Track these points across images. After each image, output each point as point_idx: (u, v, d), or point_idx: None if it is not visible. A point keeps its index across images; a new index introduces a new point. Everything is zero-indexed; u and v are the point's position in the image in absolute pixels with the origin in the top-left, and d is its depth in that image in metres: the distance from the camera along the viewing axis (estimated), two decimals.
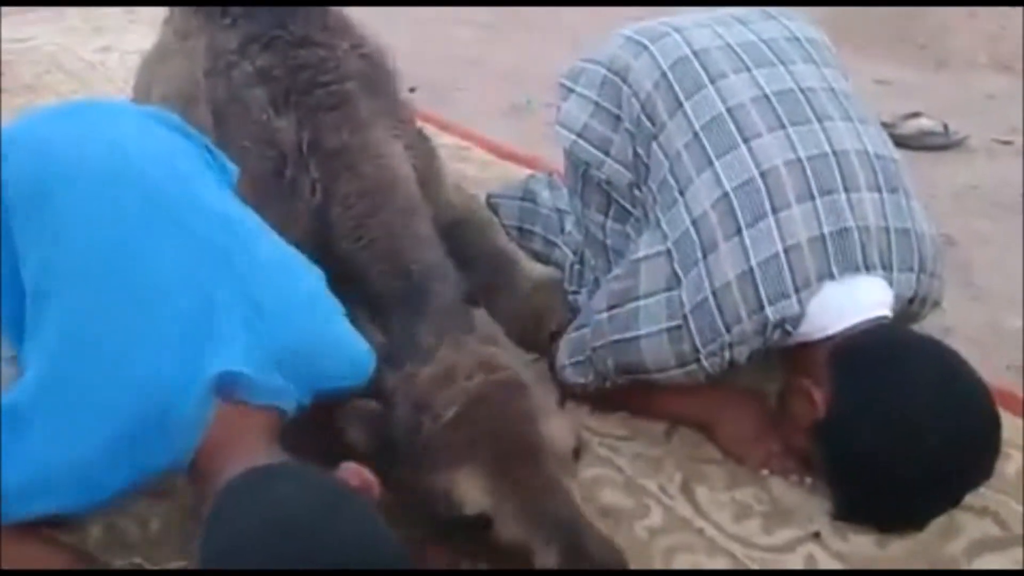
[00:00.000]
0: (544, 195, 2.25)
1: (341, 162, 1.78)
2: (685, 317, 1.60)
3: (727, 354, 1.60)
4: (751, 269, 1.56)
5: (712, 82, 1.71)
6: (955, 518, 1.58)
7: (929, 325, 2.12)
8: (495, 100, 3.56)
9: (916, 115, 3.25)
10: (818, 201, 1.59)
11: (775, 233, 1.57)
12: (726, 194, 1.61)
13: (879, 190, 1.65)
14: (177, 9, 2.20)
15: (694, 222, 1.63)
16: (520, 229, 2.26)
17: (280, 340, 1.36)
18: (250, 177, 1.80)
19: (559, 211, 2.19)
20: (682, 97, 1.71)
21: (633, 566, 1.46)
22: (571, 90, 1.89)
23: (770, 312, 1.56)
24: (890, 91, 3.79)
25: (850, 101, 1.76)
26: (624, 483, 1.67)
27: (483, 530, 1.37)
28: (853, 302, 1.58)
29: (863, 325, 1.57)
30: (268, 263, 1.43)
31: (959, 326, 2.14)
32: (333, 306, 1.48)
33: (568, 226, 2.15)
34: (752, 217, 1.59)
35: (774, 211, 1.58)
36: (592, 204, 1.93)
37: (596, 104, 1.84)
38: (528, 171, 2.61)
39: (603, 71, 1.84)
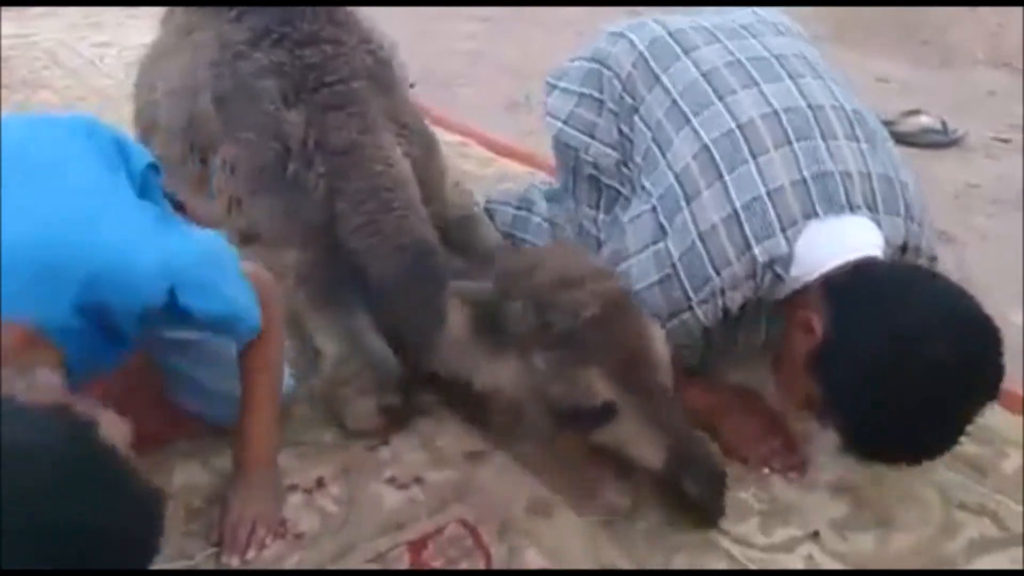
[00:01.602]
0: (540, 205, 2.24)
1: (350, 160, 1.81)
2: (674, 265, 1.61)
3: (719, 300, 1.59)
4: (735, 211, 1.56)
5: (686, 54, 1.75)
6: (954, 517, 1.58)
7: None
8: (494, 96, 3.56)
9: (916, 112, 3.25)
10: (796, 146, 1.59)
11: (756, 177, 1.58)
12: (705, 146, 1.63)
13: (857, 140, 1.65)
14: (179, 8, 2.20)
15: (676, 176, 1.64)
16: (512, 236, 2.25)
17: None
18: (253, 167, 1.85)
19: (552, 222, 2.18)
20: (659, 71, 1.76)
21: (632, 566, 1.47)
22: (554, 87, 1.95)
23: (758, 252, 1.55)
24: (890, 88, 3.79)
25: (821, 66, 1.79)
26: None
27: (606, 420, 1.47)
28: (841, 241, 1.56)
29: (855, 263, 1.54)
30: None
31: None
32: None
33: (560, 236, 2.14)
34: (732, 164, 1.59)
35: (753, 157, 1.59)
36: (583, 199, 1.96)
37: (579, 94, 1.89)
38: (527, 168, 2.60)
39: (586, 64, 1.90)
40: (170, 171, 1.83)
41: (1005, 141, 3.20)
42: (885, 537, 1.56)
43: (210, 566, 1.47)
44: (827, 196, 1.57)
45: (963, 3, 4.44)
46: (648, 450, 1.48)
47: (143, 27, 3.18)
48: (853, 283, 1.50)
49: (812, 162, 1.59)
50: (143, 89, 2.27)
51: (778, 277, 1.56)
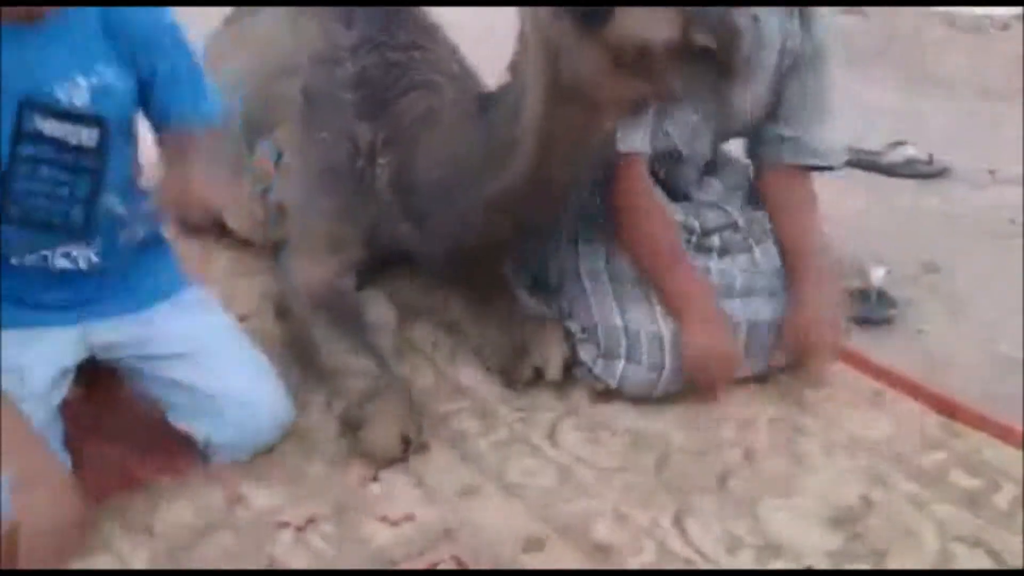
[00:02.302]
0: None
1: (424, 125, 1.89)
2: None
3: None
4: None
5: None
6: (949, 549, 1.57)
7: (919, 352, 2.15)
8: None
9: (901, 143, 3.27)
10: None
11: None
12: None
13: None
14: None
15: None
16: None
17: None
18: (326, 161, 1.96)
19: None
20: None
21: None
22: None
23: None
24: (876, 118, 3.82)
25: None
26: (616, 517, 1.65)
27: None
28: None
29: None
30: None
31: (951, 354, 2.15)
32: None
33: None
34: None
35: None
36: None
37: None
38: None
39: None
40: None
41: (991, 172, 3.22)
42: (880, 570, 1.55)
43: None
44: None
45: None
46: (659, 25, 1.42)
47: None
48: None
49: None
50: (221, 41, 2.38)
51: None
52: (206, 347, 1.68)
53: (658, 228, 1.92)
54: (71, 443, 1.58)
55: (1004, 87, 4.13)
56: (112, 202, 1.55)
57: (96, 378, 1.69)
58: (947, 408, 1.90)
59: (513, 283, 2.11)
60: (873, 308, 2.28)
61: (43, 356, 1.55)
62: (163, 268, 1.72)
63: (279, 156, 2.07)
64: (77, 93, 1.45)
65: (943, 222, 2.86)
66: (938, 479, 1.73)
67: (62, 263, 1.55)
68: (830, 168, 2.08)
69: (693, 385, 1.88)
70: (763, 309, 1.96)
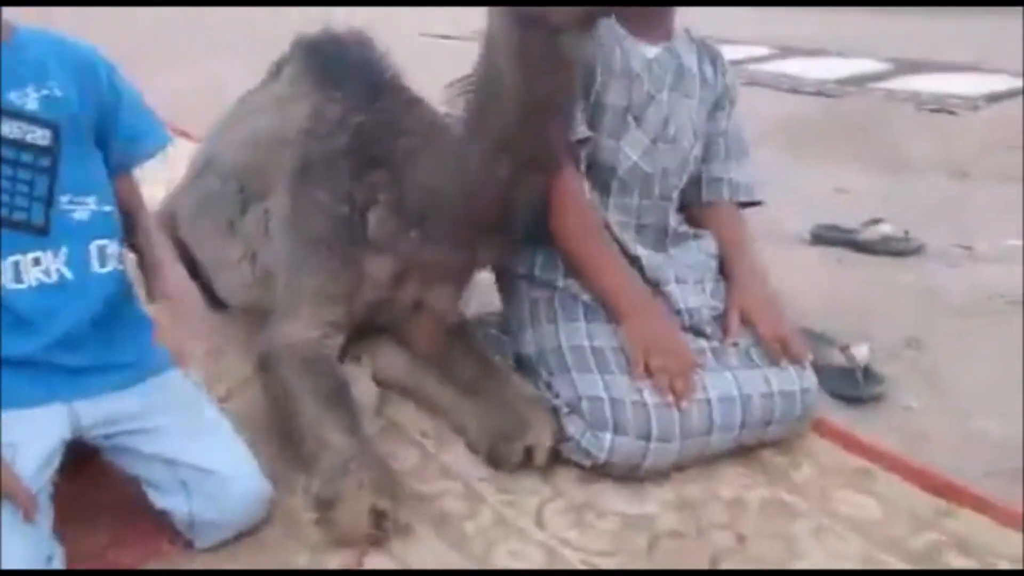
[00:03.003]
0: None
1: (417, 149, 2.00)
2: None
3: None
4: None
5: None
6: None
7: (903, 431, 2.15)
8: None
9: (877, 221, 3.32)
10: None
11: None
12: None
13: None
14: (292, 67, 2.36)
15: None
16: None
17: None
18: (319, 224, 2.04)
19: None
20: None
21: None
22: None
23: None
24: (850, 199, 3.89)
25: None
26: None
27: None
28: None
29: None
30: None
31: (932, 432, 2.15)
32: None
33: None
34: None
35: None
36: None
37: None
38: None
39: None
40: (206, 206, 2.34)
41: (967, 248, 3.27)
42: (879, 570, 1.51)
43: None
44: None
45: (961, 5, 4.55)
46: None
47: None
48: None
49: None
50: (221, 128, 2.52)
51: None
52: (186, 421, 1.69)
53: (588, 224, 2.04)
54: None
55: (974, 168, 4.24)
56: (72, 206, 1.63)
57: (78, 458, 1.66)
58: (938, 487, 1.89)
59: (502, 363, 2.10)
60: (861, 387, 2.27)
61: (36, 434, 1.55)
62: (145, 345, 1.71)
63: (268, 221, 2.15)
64: (28, 100, 1.58)
65: (922, 298, 2.88)
66: (931, 561, 1.71)
67: (36, 273, 1.59)
68: (759, 203, 2.31)
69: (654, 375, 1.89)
70: (696, 297, 2.09)
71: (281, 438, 1.90)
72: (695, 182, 2.23)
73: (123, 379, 1.67)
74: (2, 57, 1.57)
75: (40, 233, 1.59)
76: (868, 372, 2.31)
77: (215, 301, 2.38)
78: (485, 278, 2.31)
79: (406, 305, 2.12)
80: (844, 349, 2.32)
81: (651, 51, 2.08)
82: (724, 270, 2.19)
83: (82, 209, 1.64)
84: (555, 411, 1.93)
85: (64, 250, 1.61)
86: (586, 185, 2.05)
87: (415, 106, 2.12)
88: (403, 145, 2.01)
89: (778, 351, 2.02)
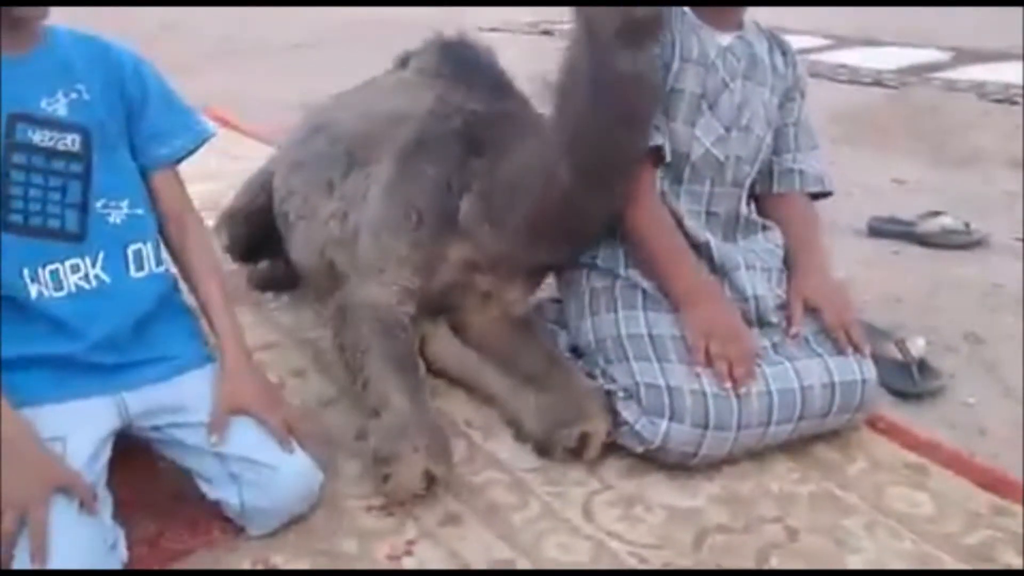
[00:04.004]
0: None
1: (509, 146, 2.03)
2: None
3: None
4: None
5: None
6: None
7: (960, 427, 2.10)
8: None
9: (937, 213, 3.25)
10: None
11: None
12: None
13: None
14: (420, 59, 2.48)
15: None
16: None
17: None
18: (426, 190, 2.08)
19: None
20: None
21: None
22: None
23: None
24: (909, 189, 3.81)
25: None
26: None
27: None
28: None
29: None
30: None
31: (993, 426, 2.10)
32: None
33: None
34: None
35: None
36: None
37: None
38: None
39: None
40: (308, 164, 2.38)
41: None
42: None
43: None
44: None
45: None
46: None
47: None
48: None
49: None
50: (338, 101, 2.60)
51: None
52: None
53: (657, 218, 2.03)
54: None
55: None
56: (106, 210, 1.64)
57: (129, 449, 1.69)
58: (993, 483, 1.85)
59: (563, 355, 2.11)
60: (916, 381, 2.23)
61: (83, 426, 1.57)
62: (186, 338, 1.76)
63: (369, 187, 2.20)
64: (59, 106, 1.59)
65: (982, 292, 2.81)
66: (986, 559, 1.68)
67: (75, 280, 1.61)
68: (830, 193, 2.28)
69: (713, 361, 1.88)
70: (763, 285, 2.08)
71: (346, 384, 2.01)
72: (767, 172, 2.22)
73: (165, 371, 1.69)
74: (35, 63, 1.58)
75: (76, 240, 1.61)
76: (924, 366, 2.26)
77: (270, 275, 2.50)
78: None
79: (477, 293, 2.17)
80: (899, 342, 2.27)
81: (725, 39, 2.09)
82: (788, 260, 2.16)
83: (116, 213, 1.65)
84: (610, 395, 1.93)
85: (101, 255, 1.63)
86: (657, 174, 2.06)
87: (524, 106, 2.17)
88: (502, 139, 2.05)
89: (843, 339, 1.99)
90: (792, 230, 2.19)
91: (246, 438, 1.66)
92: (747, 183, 2.17)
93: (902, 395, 2.20)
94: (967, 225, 3.20)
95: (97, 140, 1.62)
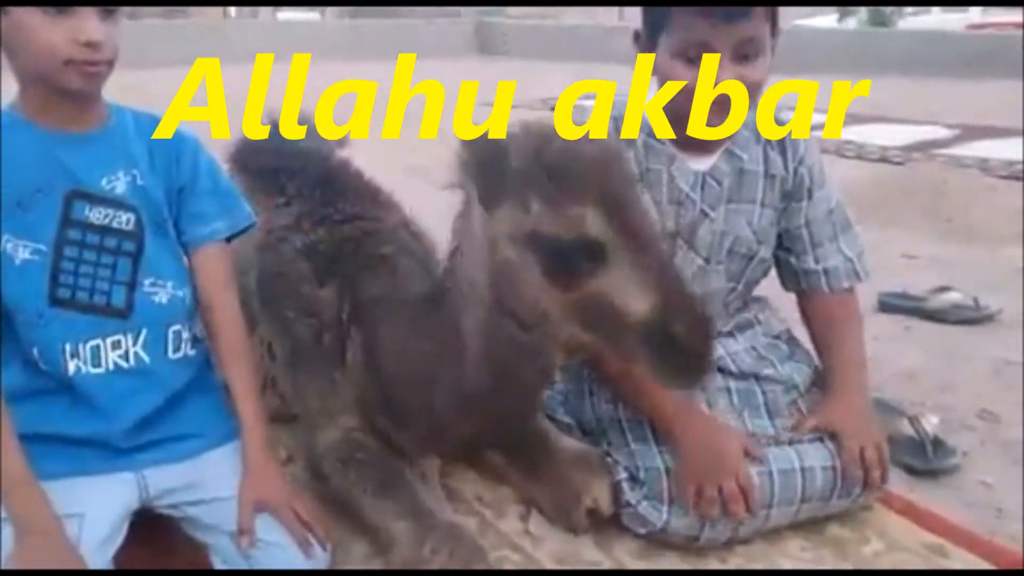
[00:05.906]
0: None
1: (382, 310, 1.87)
2: None
3: None
4: None
5: None
6: None
7: (978, 506, 2.07)
8: None
9: (946, 289, 3.25)
10: None
11: None
12: None
13: None
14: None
15: None
16: None
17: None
18: (292, 342, 1.95)
19: None
20: None
21: None
22: None
23: None
24: (918, 265, 3.82)
25: None
26: None
27: (595, 261, 1.47)
28: None
29: None
30: None
31: (1010, 506, 2.07)
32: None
33: None
34: None
35: None
36: None
37: None
38: None
39: None
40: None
41: None
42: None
43: None
44: None
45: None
46: (635, 297, 1.45)
47: None
48: None
49: None
50: None
51: None
52: None
53: (626, 370, 1.86)
54: None
55: None
56: (154, 288, 1.64)
57: (145, 526, 1.67)
58: (1016, 564, 1.81)
59: (549, 431, 2.04)
60: (930, 458, 2.20)
61: (101, 503, 1.54)
62: (216, 414, 1.74)
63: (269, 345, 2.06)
64: (118, 184, 1.60)
65: (994, 368, 2.80)
66: None
67: (114, 357, 1.59)
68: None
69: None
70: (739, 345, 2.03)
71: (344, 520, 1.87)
72: (791, 272, 2.09)
73: (190, 449, 1.67)
74: (99, 142, 1.60)
75: (121, 316, 1.60)
76: (938, 443, 2.24)
77: None
78: None
79: None
80: (913, 420, 2.25)
81: (705, 163, 1.96)
82: (821, 375, 2.04)
83: (163, 292, 1.64)
84: (611, 473, 1.89)
85: (144, 333, 1.61)
86: None
87: (382, 213, 2.07)
88: (370, 283, 1.92)
89: (858, 477, 1.87)
90: (820, 338, 2.08)
91: (262, 527, 1.62)
92: (729, 307, 2.08)
93: (916, 472, 2.17)
94: (976, 300, 3.20)
95: (150, 220, 1.62)
